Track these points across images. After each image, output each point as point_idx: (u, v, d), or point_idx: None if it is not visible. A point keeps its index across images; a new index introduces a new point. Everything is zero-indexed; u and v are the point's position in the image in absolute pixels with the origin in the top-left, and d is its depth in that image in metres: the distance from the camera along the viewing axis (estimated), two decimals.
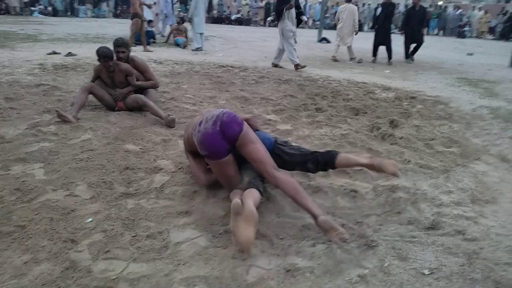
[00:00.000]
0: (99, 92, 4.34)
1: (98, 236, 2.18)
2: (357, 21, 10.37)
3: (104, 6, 25.66)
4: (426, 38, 11.41)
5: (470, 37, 24.18)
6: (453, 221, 2.46)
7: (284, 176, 2.37)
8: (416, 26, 10.31)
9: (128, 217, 2.37)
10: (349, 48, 10.50)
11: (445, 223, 2.43)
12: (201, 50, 10.76)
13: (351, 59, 10.45)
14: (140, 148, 3.50)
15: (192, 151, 2.74)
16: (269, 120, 4.53)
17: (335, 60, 10.33)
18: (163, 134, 3.87)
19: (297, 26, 8.65)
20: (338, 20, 10.59)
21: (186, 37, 11.84)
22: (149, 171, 3.07)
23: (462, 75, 8.59)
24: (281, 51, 8.57)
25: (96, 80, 4.44)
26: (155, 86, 4.77)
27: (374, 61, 10.30)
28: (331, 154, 2.63)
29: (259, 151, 2.42)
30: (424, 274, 1.94)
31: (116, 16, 25.82)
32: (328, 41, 15.51)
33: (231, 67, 8.16)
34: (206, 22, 14.44)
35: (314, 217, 2.23)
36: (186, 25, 12.31)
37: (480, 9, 25.12)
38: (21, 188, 2.64)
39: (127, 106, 4.47)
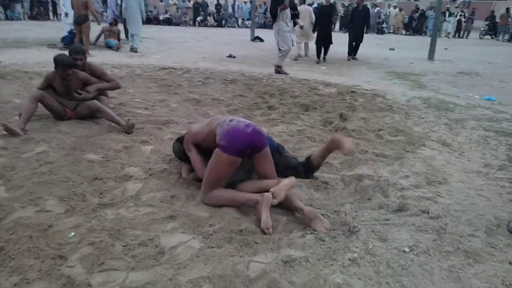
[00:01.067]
0: (49, 101, 4.10)
1: (86, 249, 2.11)
2: (313, 20, 10.88)
3: (18, 7, 23.69)
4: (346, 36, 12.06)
5: (388, 33, 25.97)
6: (416, 203, 2.73)
7: None
8: (359, 25, 10.80)
9: (112, 228, 2.32)
10: (307, 44, 11.46)
11: (410, 204, 2.68)
12: (136, 51, 10.49)
13: (306, 55, 11.47)
14: (102, 157, 3.39)
15: (198, 145, 2.86)
16: None
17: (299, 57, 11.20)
18: (123, 141, 3.78)
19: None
20: None
21: (118, 39, 11.42)
22: (119, 180, 3.00)
23: (390, 69, 9.29)
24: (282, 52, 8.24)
25: (45, 89, 4.18)
26: (117, 87, 4.61)
27: (319, 62, 10.36)
28: (307, 157, 3.04)
29: (272, 171, 2.71)
30: (405, 251, 2.15)
31: (32, 18, 24.01)
32: (261, 40, 15.82)
33: (173, 69, 8.07)
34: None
35: (301, 209, 2.44)
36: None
37: (395, 7, 27.10)
38: None
39: (78, 115, 4.27)
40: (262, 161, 2.69)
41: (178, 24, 25.32)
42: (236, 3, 27.49)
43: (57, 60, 4.03)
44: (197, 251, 2.12)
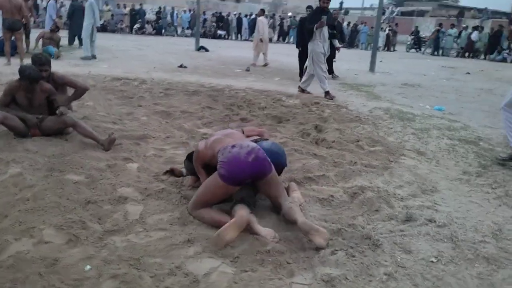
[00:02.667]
0: (12, 121, 3.69)
1: (111, 284, 1.91)
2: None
3: None
4: (289, 47, 12.60)
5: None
6: (420, 212, 2.83)
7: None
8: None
9: (130, 257, 2.13)
10: (265, 54, 12.21)
11: (415, 214, 2.78)
12: (89, 58, 10.15)
13: (266, 65, 11.98)
14: (86, 178, 3.12)
15: (206, 164, 2.77)
16: (205, 134, 4.47)
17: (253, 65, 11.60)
18: (103, 159, 3.51)
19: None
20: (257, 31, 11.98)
21: (58, 47, 10.69)
22: (114, 203, 2.77)
23: (340, 81, 9.64)
24: (311, 76, 7.43)
25: (9, 104, 3.77)
26: (86, 89, 4.31)
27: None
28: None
29: (280, 191, 2.61)
30: (433, 262, 2.22)
31: None
32: (206, 50, 15.69)
33: (127, 79, 7.71)
34: (63, 28, 13.60)
35: (295, 221, 2.39)
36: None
37: None
38: None
39: (44, 131, 3.90)
40: (267, 186, 2.61)
41: (113, 31, 24.34)
42: (175, 11, 27.07)
43: (23, 74, 3.66)
44: (232, 277, 2.01)
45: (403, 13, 38.41)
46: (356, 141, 4.44)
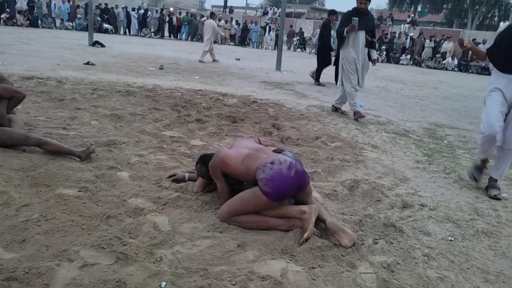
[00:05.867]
0: None
1: None
2: (218, 31, 14.30)
3: None
4: (189, 44, 12.89)
5: (216, 42, 27.30)
6: (409, 198, 3.24)
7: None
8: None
9: (198, 268, 2.06)
10: (208, 52, 13.47)
11: (408, 201, 3.18)
12: None
13: (214, 60, 13.52)
14: (81, 191, 2.81)
15: (226, 174, 2.69)
16: (172, 137, 4.31)
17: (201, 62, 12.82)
18: (85, 170, 3.17)
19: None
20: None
21: None
22: (133, 215, 2.59)
23: (259, 79, 9.99)
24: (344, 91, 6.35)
25: None
26: (23, 98, 3.68)
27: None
28: None
29: (309, 200, 2.67)
30: (452, 240, 2.60)
31: None
32: (102, 45, 14.64)
33: (39, 78, 6.88)
34: None
35: (324, 221, 2.57)
36: None
37: (220, 19, 28.68)
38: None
39: None
40: (302, 196, 2.66)
41: None
42: (53, 1, 24.50)
43: None
44: (307, 275, 2.10)
45: None
46: (317, 138, 4.76)
